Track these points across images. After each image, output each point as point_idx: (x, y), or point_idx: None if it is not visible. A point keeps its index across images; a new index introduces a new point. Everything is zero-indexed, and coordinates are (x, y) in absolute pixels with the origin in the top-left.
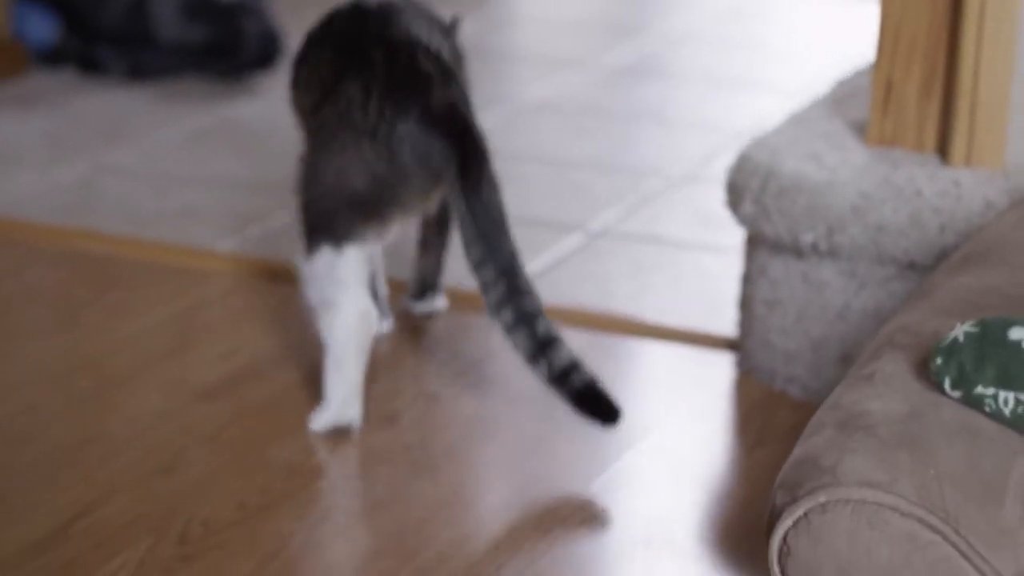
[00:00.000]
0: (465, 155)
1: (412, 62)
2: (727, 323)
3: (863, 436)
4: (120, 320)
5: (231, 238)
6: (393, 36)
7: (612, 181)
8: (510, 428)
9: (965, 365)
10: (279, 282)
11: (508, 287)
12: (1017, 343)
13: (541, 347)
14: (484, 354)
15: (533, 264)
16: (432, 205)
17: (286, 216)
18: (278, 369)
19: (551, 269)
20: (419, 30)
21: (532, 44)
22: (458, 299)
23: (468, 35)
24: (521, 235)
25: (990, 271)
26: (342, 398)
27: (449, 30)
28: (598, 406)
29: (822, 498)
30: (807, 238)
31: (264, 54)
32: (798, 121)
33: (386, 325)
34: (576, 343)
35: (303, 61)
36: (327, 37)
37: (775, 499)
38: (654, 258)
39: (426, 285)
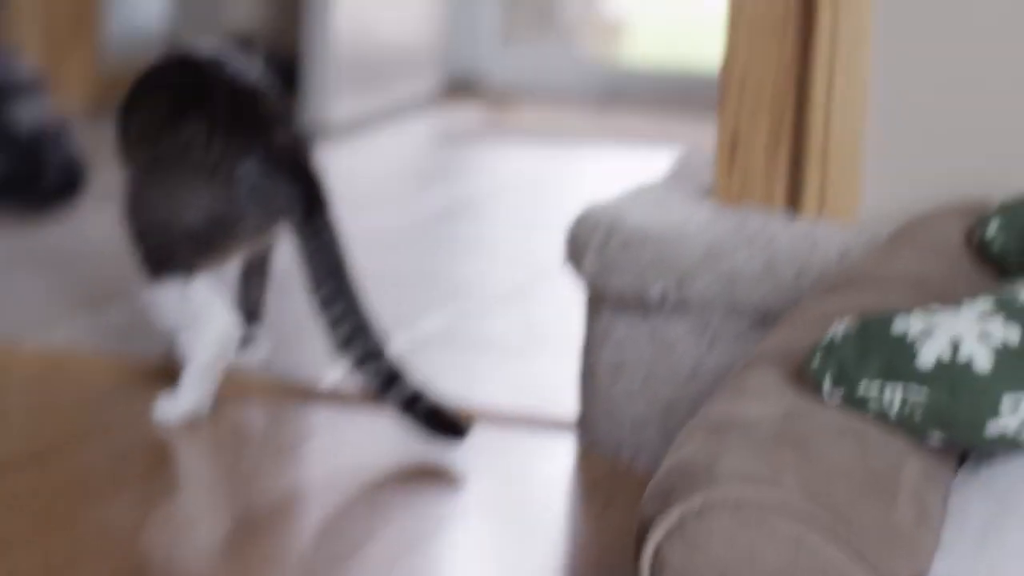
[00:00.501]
0: (307, 198)
1: (254, 104)
2: (565, 408)
3: (740, 436)
4: None
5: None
6: (234, 80)
7: (434, 294)
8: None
9: (846, 362)
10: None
11: (354, 325)
12: (902, 335)
13: (387, 381)
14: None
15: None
16: (268, 241)
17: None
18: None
19: None
20: (256, 76)
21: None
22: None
23: None
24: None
25: (860, 295)
26: (194, 399)
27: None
28: (448, 424)
29: (698, 501)
30: (656, 290)
31: (67, 184)
32: (637, 190)
33: (263, 350)
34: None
35: (133, 106)
36: (161, 82)
37: (644, 512)
38: (482, 357)
39: (248, 328)
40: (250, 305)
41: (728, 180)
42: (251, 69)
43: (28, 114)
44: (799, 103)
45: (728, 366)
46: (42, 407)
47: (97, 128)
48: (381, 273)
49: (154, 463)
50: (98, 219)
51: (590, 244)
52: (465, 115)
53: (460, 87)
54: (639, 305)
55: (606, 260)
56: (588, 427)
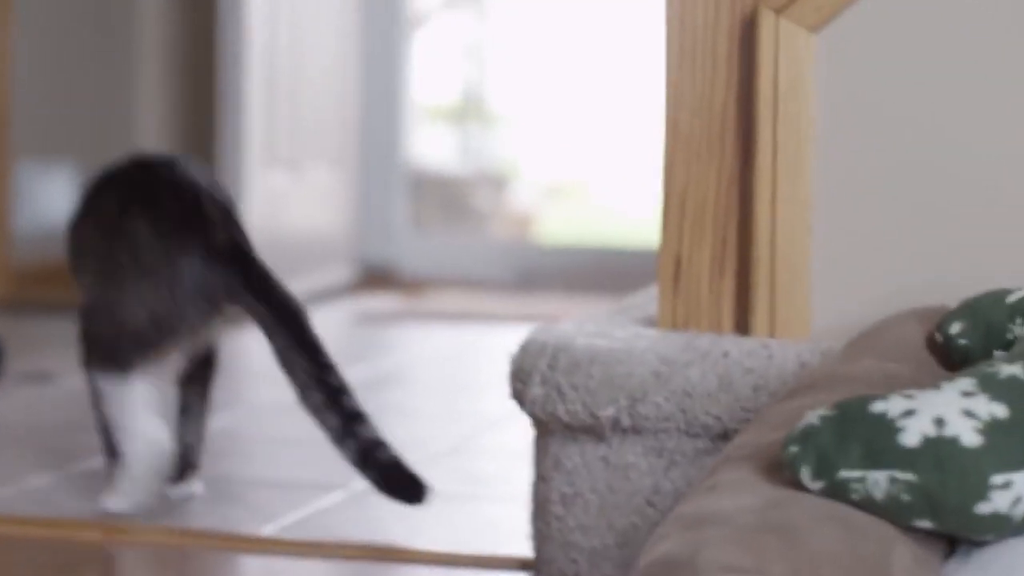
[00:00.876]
0: (248, 274)
1: (196, 204)
2: (517, 547)
3: (719, 528)
4: None
5: None
6: (177, 181)
7: None
8: None
9: (825, 447)
10: None
11: (315, 371)
12: (881, 415)
13: (350, 418)
14: None
15: (290, 517)
16: (205, 338)
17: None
18: None
19: (312, 519)
20: (200, 177)
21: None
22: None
23: None
24: (279, 496)
25: (827, 394)
26: (136, 497)
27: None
28: (407, 485)
29: None
30: (607, 413)
31: None
32: (579, 319)
33: (198, 486)
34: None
35: (83, 216)
36: (109, 187)
37: None
38: (424, 508)
39: (185, 462)
40: (187, 439)
41: (672, 305)
42: (200, 173)
43: None
44: (742, 223)
45: (688, 488)
46: None
47: (9, 319)
48: (309, 439)
49: None
50: (11, 402)
51: (536, 369)
52: (381, 301)
53: (374, 275)
54: (590, 430)
55: (553, 384)
56: (543, 564)
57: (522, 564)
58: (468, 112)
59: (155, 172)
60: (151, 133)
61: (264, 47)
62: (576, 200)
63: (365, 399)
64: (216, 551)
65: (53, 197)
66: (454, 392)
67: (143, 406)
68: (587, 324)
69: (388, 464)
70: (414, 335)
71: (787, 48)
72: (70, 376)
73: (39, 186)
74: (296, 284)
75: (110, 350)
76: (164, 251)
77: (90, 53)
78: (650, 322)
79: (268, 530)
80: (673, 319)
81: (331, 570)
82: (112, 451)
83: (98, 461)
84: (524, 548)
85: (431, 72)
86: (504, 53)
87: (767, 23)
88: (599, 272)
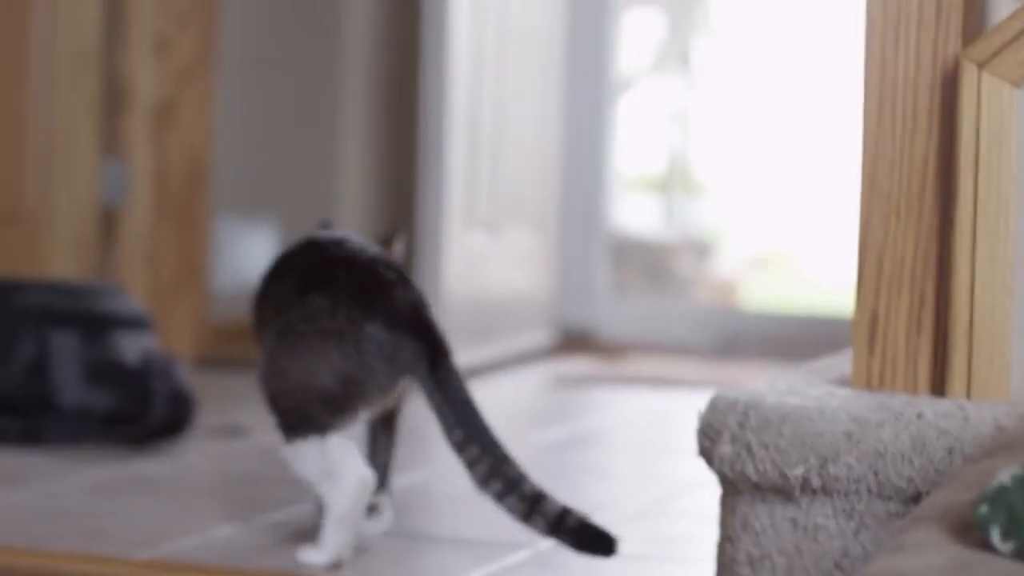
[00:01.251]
0: (431, 351)
1: (373, 271)
2: None
3: None
4: None
5: (141, 552)
6: (351, 254)
7: None
8: None
9: (1017, 509)
10: None
11: (492, 461)
12: None
13: (532, 505)
14: None
15: (478, 572)
16: (393, 399)
17: (193, 540)
18: None
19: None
20: (372, 248)
21: None
22: None
23: None
24: (464, 553)
25: (1022, 453)
26: (338, 547)
27: (387, 243)
28: (596, 540)
29: None
30: (797, 472)
31: (173, 417)
32: (771, 378)
33: (388, 520)
34: None
35: (265, 293)
36: (287, 267)
37: None
38: (615, 568)
39: (374, 497)
40: (377, 470)
41: (868, 363)
42: (369, 245)
43: (135, 347)
44: (940, 281)
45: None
46: None
47: (206, 374)
48: None
49: None
50: (203, 453)
51: (725, 427)
52: (579, 365)
53: (574, 339)
54: (779, 490)
55: (742, 444)
56: None
57: None
58: (672, 179)
59: (329, 249)
60: (352, 192)
61: (467, 108)
62: (781, 269)
63: (562, 458)
64: None
65: (253, 254)
66: (650, 455)
67: (348, 450)
68: (779, 382)
69: (577, 529)
70: (612, 398)
71: (989, 102)
72: (262, 431)
73: (239, 243)
74: (495, 347)
75: (305, 413)
76: (347, 319)
77: (294, 110)
78: (845, 382)
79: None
80: (868, 378)
81: None
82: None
83: (285, 513)
84: None
85: (636, 136)
86: (710, 119)
87: (969, 77)
88: (803, 339)
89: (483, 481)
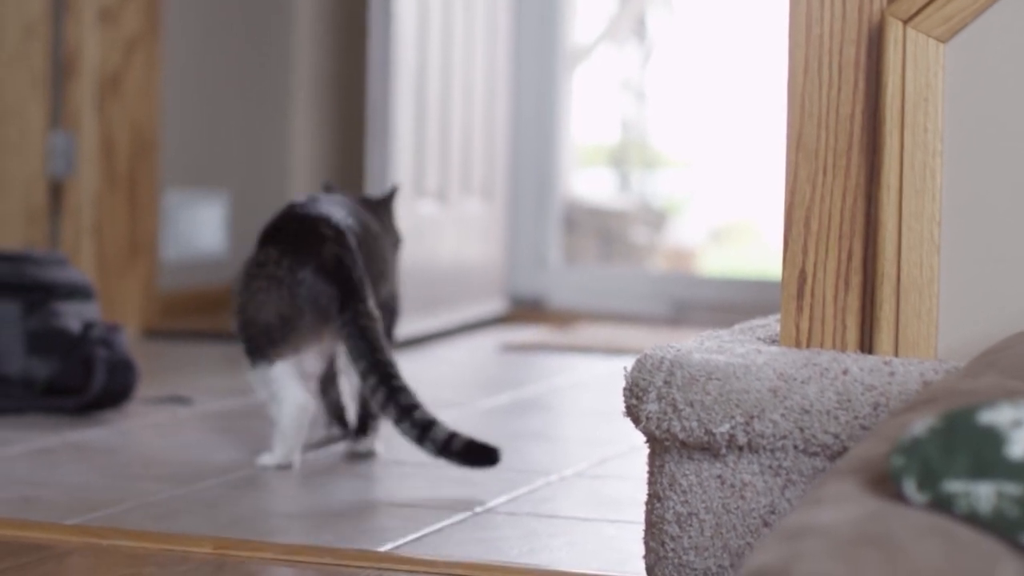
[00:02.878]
0: (344, 295)
1: (315, 228)
2: (633, 567)
3: (817, 540)
4: None
5: (74, 518)
6: (304, 214)
7: (497, 475)
8: None
9: (931, 460)
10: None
11: (388, 390)
12: (989, 426)
13: (423, 430)
14: None
15: (409, 537)
16: (327, 339)
17: (127, 505)
18: None
19: (433, 537)
20: (329, 209)
21: None
22: None
23: None
24: (401, 514)
25: (943, 408)
26: (285, 452)
27: (384, 203)
28: (482, 456)
29: None
30: (723, 429)
31: (116, 387)
32: (698, 337)
33: (372, 442)
34: None
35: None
36: (267, 227)
37: None
38: (548, 528)
39: (366, 413)
40: (333, 405)
41: (796, 321)
42: (339, 205)
43: (77, 316)
44: (867, 238)
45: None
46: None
47: (154, 345)
48: (438, 463)
49: None
50: (144, 422)
51: (652, 385)
52: (530, 333)
53: (526, 308)
54: (706, 448)
55: (668, 402)
56: None
57: None
58: (628, 149)
59: (292, 210)
60: (301, 163)
61: (414, 77)
62: (741, 239)
63: (507, 423)
64: (329, 568)
65: (201, 226)
66: (594, 419)
67: (288, 378)
68: (708, 340)
69: (463, 449)
70: (561, 365)
71: (915, 58)
72: (205, 401)
73: (187, 215)
74: (445, 315)
75: (256, 344)
76: (287, 268)
77: (241, 82)
78: (774, 340)
79: (385, 548)
80: (796, 336)
81: None
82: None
83: (220, 480)
84: (641, 566)
85: (590, 107)
86: (665, 90)
87: (894, 33)
88: (757, 304)
89: (381, 406)
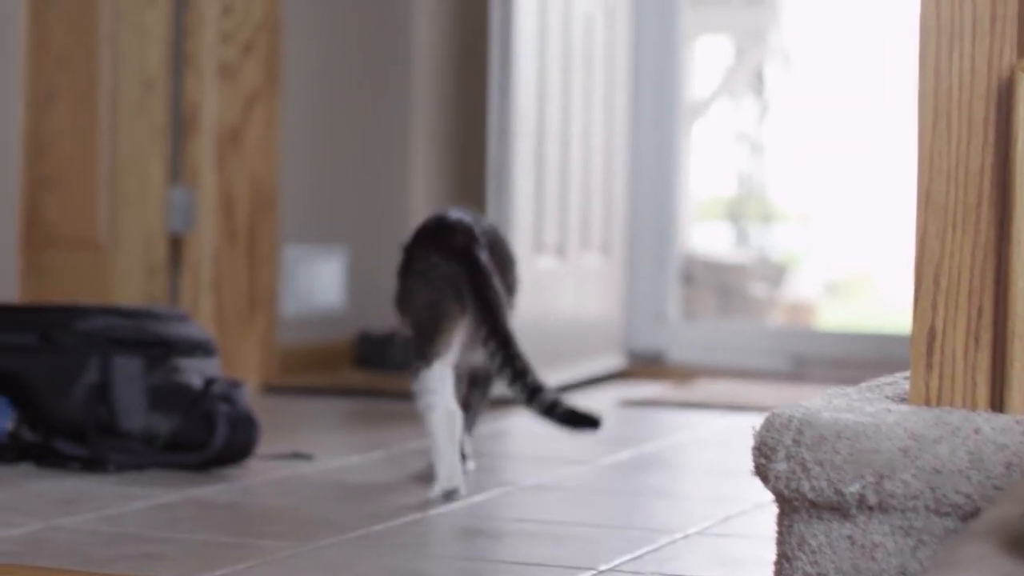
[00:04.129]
0: (472, 273)
1: (446, 225)
2: None
3: None
4: None
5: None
6: (438, 216)
7: (621, 535)
8: None
9: None
10: None
11: (505, 354)
12: None
13: (532, 393)
14: None
15: None
16: (467, 321)
17: (250, 563)
18: None
19: None
20: (461, 214)
21: (525, 449)
22: None
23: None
24: (525, 574)
25: None
26: (447, 474)
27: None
28: (583, 420)
29: None
30: (853, 489)
31: (238, 443)
32: (827, 395)
33: (471, 465)
34: None
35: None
36: (414, 235)
37: None
38: None
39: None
40: (467, 415)
41: (926, 379)
42: (472, 216)
43: (199, 372)
44: (998, 294)
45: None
46: None
47: (272, 401)
48: (563, 522)
49: None
50: (265, 479)
51: (780, 444)
52: (649, 388)
53: (644, 364)
54: (836, 507)
55: (798, 461)
56: None
57: None
58: (745, 203)
59: (429, 220)
60: (420, 218)
61: (533, 132)
62: (858, 292)
63: (628, 480)
64: None
65: (320, 281)
66: (717, 476)
67: (441, 383)
68: (836, 399)
69: (566, 413)
70: (681, 421)
71: None
72: (326, 457)
73: (306, 270)
74: (564, 370)
75: (416, 348)
76: (426, 259)
77: (360, 136)
78: (903, 399)
79: None
80: (926, 394)
81: None
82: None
83: (341, 539)
84: None
85: (707, 161)
86: (783, 143)
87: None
88: (877, 360)
89: (498, 369)
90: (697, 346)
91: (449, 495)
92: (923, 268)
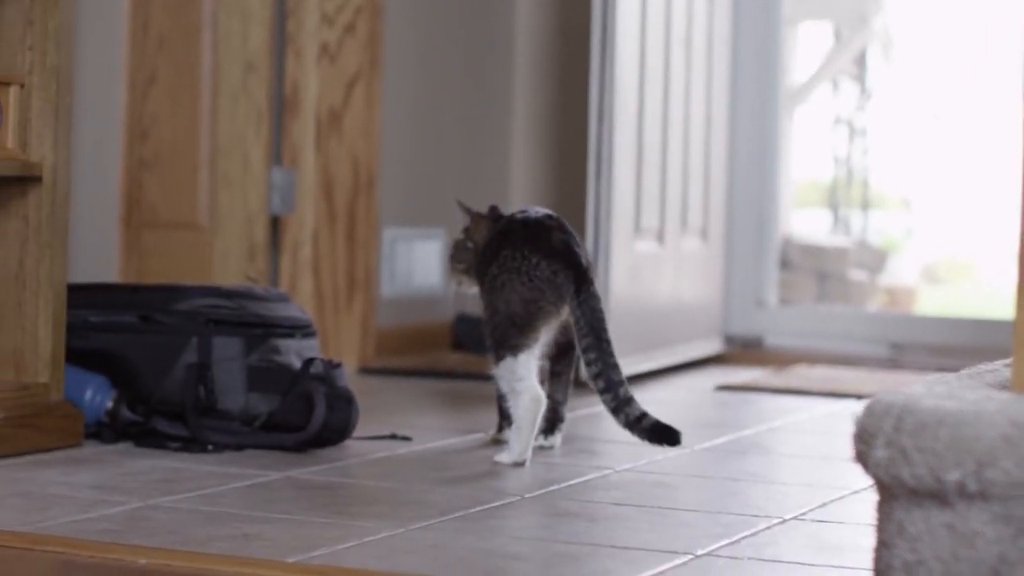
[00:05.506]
0: (577, 276)
1: (541, 224)
2: None
3: None
4: None
5: (294, 556)
6: (524, 216)
7: (718, 520)
8: None
9: None
10: None
11: (602, 365)
12: None
13: (620, 405)
14: None
15: None
16: (562, 318)
17: (347, 543)
18: None
19: None
20: (543, 211)
21: (623, 432)
22: None
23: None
24: (623, 557)
25: None
26: (520, 450)
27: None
28: (665, 435)
29: None
30: (953, 476)
31: (336, 423)
32: (928, 382)
33: (558, 439)
34: None
35: (481, 258)
36: (494, 233)
37: None
38: (770, 573)
39: (554, 416)
40: (556, 396)
41: None
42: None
43: (298, 352)
44: None
45: None
46: None
47: (370, 382)
48: (667, 504)
49: None
50: (363, 459)
51: (880, 431)
52: (747, 373)
53: (742, 348)
54: (935, 495)
55: (897, 448)
56: None
57: None
58: (845, 188)
59: (511, 217)
60: (520, 201)
61: (633, 119)
62: (958, 278)
63: (725, 465)
64: None
65: (419, 264)
66: (814, 462)
67: (527, 371)
68: (937, 386)
69: (650, 425)
70: (778, 407)
71: None
72: (423, 438)
73: (405, 252)
74: (662, 354)
75: (504, 337)
76: (523, 257)
77: (459, 120)
78: (1004, 386)
79: None
80: None
81: None
82: (505, 418)
83: (441, 519)
84: None
85: (807, 146)
86: (883, 129)
87: None
88: (977, 346)
89: (592, 377)
90: (795, 331)
91: (516, 465)
92: None
